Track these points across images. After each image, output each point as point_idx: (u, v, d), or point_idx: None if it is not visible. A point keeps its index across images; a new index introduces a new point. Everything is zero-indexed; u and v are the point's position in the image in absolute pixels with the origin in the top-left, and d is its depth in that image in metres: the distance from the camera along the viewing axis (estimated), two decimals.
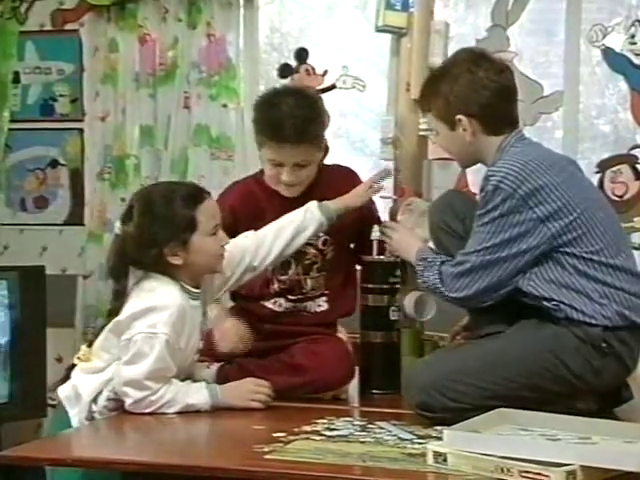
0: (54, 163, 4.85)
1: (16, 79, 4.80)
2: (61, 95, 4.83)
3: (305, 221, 3.11)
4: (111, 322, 2.85)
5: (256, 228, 3.18)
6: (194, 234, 2.83)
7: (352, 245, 3.41)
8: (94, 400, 2.82)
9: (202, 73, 4.52)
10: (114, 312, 2.86)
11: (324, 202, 3.15)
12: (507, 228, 2.75)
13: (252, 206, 3.27)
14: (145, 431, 2.65)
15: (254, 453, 2.42)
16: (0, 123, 4.71)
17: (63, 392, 2.88)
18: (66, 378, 2.90)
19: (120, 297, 2.86)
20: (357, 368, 3.28)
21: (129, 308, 2.83)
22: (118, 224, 2.91)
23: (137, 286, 2.88)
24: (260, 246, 3.08)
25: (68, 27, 4.79)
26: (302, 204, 3.18)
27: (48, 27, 4.82)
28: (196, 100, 4.52)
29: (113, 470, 2.51)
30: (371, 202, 3.38)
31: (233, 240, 3.01)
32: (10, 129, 4.74)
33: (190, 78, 4.53)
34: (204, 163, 4.51)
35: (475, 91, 2.87)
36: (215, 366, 3.21)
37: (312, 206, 3.13)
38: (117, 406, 2.83)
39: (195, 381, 2.93)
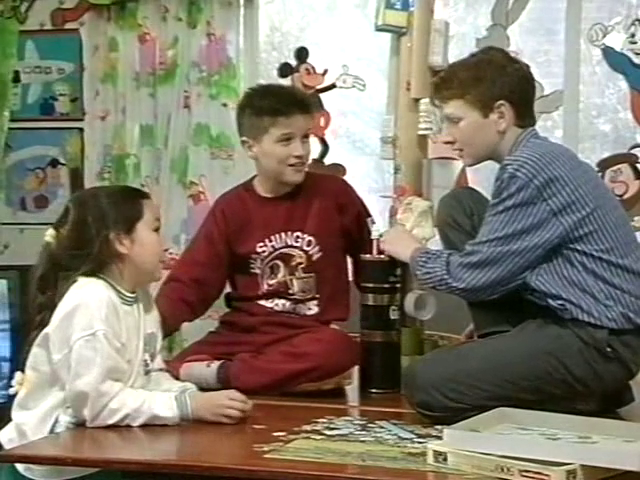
0: (54, 162, 4.86)
1: (16, 78, 4.81)
2: (61, 94, 4.84)
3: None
4: (38, 336, 2.64)
5: (246, 231, 3.32)
6: (139, 222, 2.69)
7: (346, 253, 3.44)
8: (51, 432, 2.61)
9: (202, 72, 4.52)
10: (40, 325, 2.65)
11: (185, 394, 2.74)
12: (520, 219, 2.74)
13: (241, 212, 3.37)
14: (145, 430, 2.64)
15: (254, 452, 2.42)
16: (0, 122, 4.71)
17: (5, 436, 2.68)
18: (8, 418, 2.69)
19: (44, 309, 2.65)
20: (357, 367, 3.29)
21: (56, 317, 2.61)
22: (50, 231, 2.71)
23: (65, 293, 2.65)
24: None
25: (68, 26, 4.80)
26: (286, 208, 3.32)
27: (48, 26, 4.83)
28: (196, 99, 4.53)
29: (113, 470, 2.51)
30: (359, 205, 3.43)
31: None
32: (10, 128, 4.75)
33: (190, 77, 4.54)
34: (204, 162, 4.52)
35: (520, 80, 2.91)
36: (215, 364, 3.22)
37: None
38: None
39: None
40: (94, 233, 2.66)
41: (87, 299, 2.61)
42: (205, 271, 3.34)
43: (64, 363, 2.60)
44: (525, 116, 2.91)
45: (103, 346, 2.57)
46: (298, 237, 3.32)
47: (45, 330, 2.64)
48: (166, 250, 2.76)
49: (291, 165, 3.29)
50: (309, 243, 3.32)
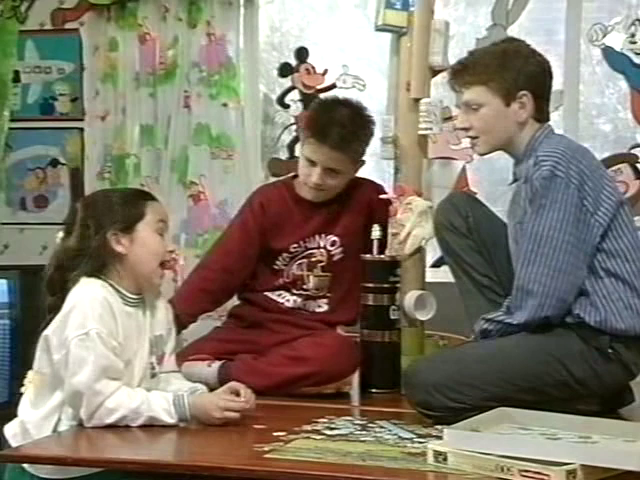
0: (54, 162, 4.86)
1: (16, 78, 4.81)
2: (61, 94, 4.84)
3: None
4: (39, 339, 2.66)
5: (282, 228, 3.36)
6: (140, 222, 2.71)
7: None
8: (54, 431, 2.63)
9: (202, 72, 4.52)
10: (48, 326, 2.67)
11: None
12: (564, 224, 2.71)
13: (280, 207, 3.39)
14: (145, 430, 2.64)
15: (254, 452, 2.42)
16: (0, 122, 4.71)
17: (10, 431, 2.70)
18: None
19: (53, 310, 2.67)
20: (357, 368, 3.29)
21: (56, 319, 2.64)
22: (59, 233, 2.76)
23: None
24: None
25: (68, 26, 4.79)
26: (325, 212, 3.35)
27: (48, 26, 4.82)
28: (196, 99, 4.53)
29: (113, 470, 2.51)
30: (386, 211, 3.41)
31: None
32: (10, 128, 4.74)
33: (190, 77, 4.53)
34: (204, 162, 4.52)
35: (543, 72, 2.92)
36: (216, 364, 3.22)
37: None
38: None
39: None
40: (92, 233, 2.69)
41: (81, 299, 2.63)
42: (236, 260, 3.37)
43: (62, 363, 2.61)
44: (543, 110, 2.90)
45: (96, 345, 2.59)
46: (334, 241, 3.36)
47: (44, 332, 2.65)
48: (171, 252, 2.72)
49: (309, 186, 3.33)
50: (333, 243, 3.36)
